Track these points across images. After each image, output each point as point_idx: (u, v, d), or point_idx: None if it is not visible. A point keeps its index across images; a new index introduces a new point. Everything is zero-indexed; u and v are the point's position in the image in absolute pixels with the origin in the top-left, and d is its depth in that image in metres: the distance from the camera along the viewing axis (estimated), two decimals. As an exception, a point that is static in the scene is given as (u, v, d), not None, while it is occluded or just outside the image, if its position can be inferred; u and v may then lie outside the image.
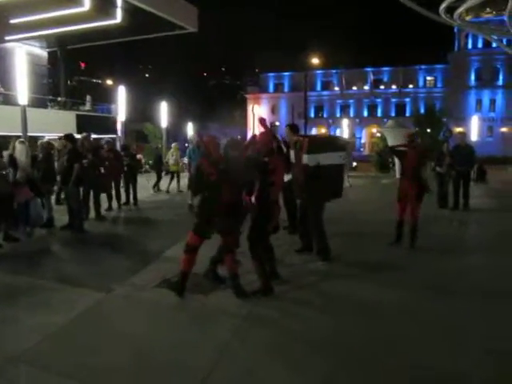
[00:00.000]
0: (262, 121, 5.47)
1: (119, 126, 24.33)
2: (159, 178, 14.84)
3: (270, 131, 5.49)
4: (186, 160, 13.83)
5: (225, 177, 4.73)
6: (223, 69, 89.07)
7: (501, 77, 57.00)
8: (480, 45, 56.43)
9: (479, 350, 3.80)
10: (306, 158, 6.16)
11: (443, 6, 10.97)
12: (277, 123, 61.07)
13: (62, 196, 9.88)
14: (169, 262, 6.15)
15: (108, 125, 24.32)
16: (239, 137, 8.55)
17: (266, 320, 4.40)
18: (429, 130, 24.69)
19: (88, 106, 25.82)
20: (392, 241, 7.15)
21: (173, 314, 4.51)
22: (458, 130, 37.69)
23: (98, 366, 3.56)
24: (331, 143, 6.66)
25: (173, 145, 15.14)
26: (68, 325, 4.28)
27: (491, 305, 4.78)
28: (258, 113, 58.75)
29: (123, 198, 11.31)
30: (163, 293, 5.10)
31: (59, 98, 24.19)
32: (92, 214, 9.54)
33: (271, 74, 67.11)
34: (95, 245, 7.68)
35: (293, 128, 7.91)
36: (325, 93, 64.56)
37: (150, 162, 20.45)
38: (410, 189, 6.89)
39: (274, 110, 66.15)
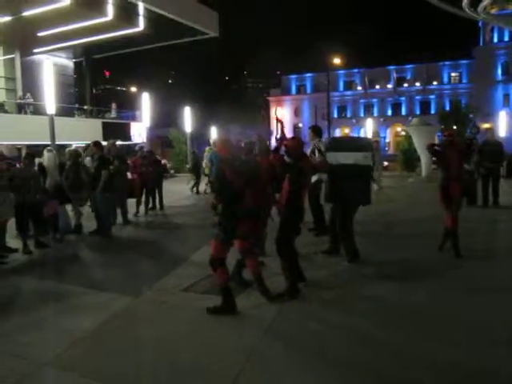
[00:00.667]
0: (279, 122, 5.56)
1: (144, 132, 24.65)
2: (198, 181, 15.43)
3: (299, 137, 5.58)
4: (204, 164, 14.28)
5: (248, 182, 4.64)
6: (245, 72, 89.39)
7: (529, 70, 55.56)
8: (506, 38, 55.14)
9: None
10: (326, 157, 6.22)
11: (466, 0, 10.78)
12: (300, 125, 60.93)
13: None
14: (195, 266, 6.21)
15: (131, 132, 24.72)
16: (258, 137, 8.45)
17: (293, 323, 4.38)
18: (455, 127, 24.20)
19: (113, 114, 26.25)
20: (455, 252, 6.40)
21: (198, 317, 4.52)
22: (486, 126, 36.87)
23: (126, 370, 3.60)
24: (353, 142, 6.60)
25: (206, 148, 15.35)
26: (97, 329, 4.35)
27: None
28: (281, 115, 58.79)
29: (150, 203, 11.46)
30: (189, 297, 5.14)
31: (85, 107, 24.67)
32: (119, 219, 9.69)
33: (293, 76, 67.00)
34: (122, 250, 7.80)
35: (315, 130, 7.89)
36: (348, 93, 64.06)
37: (187, 165, 20.75)
38: (456, 192, 6.38)
39: (296, 112, 66.01)
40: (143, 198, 11.11)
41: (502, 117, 27.14)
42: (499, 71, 56.83)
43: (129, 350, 3.90)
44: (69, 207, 8.86)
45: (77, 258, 7.36)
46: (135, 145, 24.38)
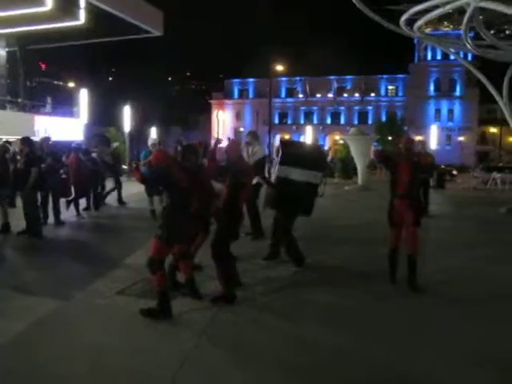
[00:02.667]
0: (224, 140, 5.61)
1: (81, 130, 23.78)
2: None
3: (236, 140, 5.60)
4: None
5: (195, 183, 4.62)
6: (188, 74, 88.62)
7: (458, 88, 59.14)
8: (439, 56, 58.45)
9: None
10: (277, 169, 6.21)
11: (404, 18, 11.29)
12: (241, 129, 61.22)
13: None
14: (130, 269, 6.07)
15: (70, 128, 23.68)
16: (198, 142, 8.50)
17: (227, 328, 4.38)
18: (390, 138, 25.30)
19: (48, 109, 25.14)
20: (390, 277, 5.68)
21: (133, 321, 4.42)
22: (418, 138, 38.73)
23: (56, 373, 3.46)
24: (309, 159, 6.39)
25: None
26: (25, 332, 4.14)
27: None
28: (222, 118, 58.79)
29: (83, 204, 11.04)
30: (123, 300, 5.01)
31: (18, 100, 23.46)
32: (51, 219, 9.28)
33: (236, 80, 67.33)
34: (54, 251, 7.48)
35: (254, 135, 8.11)
36: (289, 99, 65.26)
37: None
38: (406, 210, 5.49)
39: (238, 116, 66.34)
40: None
41: (433, 130, 28.69)
42: (432, 87, 60.11)
43: (58, 355, 3.74)
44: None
45: (4, 258, 6.97)
46: (70, 142, 23.42)
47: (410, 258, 5.46)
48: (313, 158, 6.53)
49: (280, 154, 6.24)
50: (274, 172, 6.51)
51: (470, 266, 6.74)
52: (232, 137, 5.68)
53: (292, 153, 6.33)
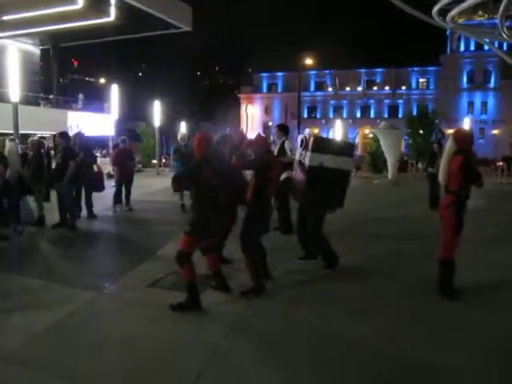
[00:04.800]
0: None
1: (112, 125, 24.17)
2: None
3: (265, 137, 5.52)
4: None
5: (224, 181, 4.64)
6: (217, 68, 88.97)
7: (492, 79, 57.43)
8: (472, 47, 56.82)
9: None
10: (308, 157, 5.90)
11: (436, 8, 11.04)
12: (270, 123, 61.12)
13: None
14: (161, 262, 6.14)
15: (101, 123, 24.10)
16: (228, 131, 8.64)
17: (257, 321, 4.39)
18: (421, 132, 24.81)
19: (80, 105, 25.67)
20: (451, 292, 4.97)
21: (163, 313, 4.47)
22: (450, 131, 37.75)
23: (88, 366, 3.54)
24: (338, 146, 6.28)
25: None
26: (58, 324, 4.25)
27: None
28: (251, 113, 58.84)
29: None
30: (154, 292, 5.09)
31: (51, 96, 24.02)
32: (84, 212, 9.49)
33: (264, 74, 67.11)
34: (87, 243, 7.65)
35: (282, 129, 7.95)
36: (318, 93, 64.66)
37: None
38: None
39: (267, 110, 66.16)
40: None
41: (466, 123, 27.99)
42: (464, 79, 58.55)
43: (90, 347, 3.83)
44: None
45: (39, 251, 7.17)
46: (107, 137, 23.76)
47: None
48: (341, 144, 6.56)
49: (311, 142, 6.08)
50: (305, 161, 6.29)
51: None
52: (261, 132, 5.60)
53: (321, 140, 6.28)
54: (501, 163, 22.81)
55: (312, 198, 5.93)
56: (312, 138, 5.95)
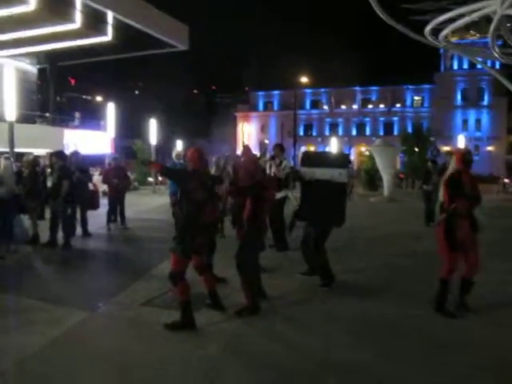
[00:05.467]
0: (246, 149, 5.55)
1: (109, 143, 24.16)
2: None
3: (255, 158, 5.59)
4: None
5: (211, 194, 4.68)
6: (213, 87, 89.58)
7: (486, 97, 58.09)
8: (465, 65, 57.60)
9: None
10: (302, 172, 6.03)
11: (429, 27, 11.19)
12: (266, 141, 61.36)
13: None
14: (156, 280, 6.10)
15: (98, 141, 24.09)
16: (228, 153, 8.81)
17: (251, 340, 4.34)
18: (416, 149, 25.00)
19: (77, 122, 25.69)
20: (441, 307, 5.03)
21: (157, 332, 4.42)
22: (445, 148, 38.12)
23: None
24: (330, 158, 6.32)
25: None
26: (51, 344, 4.19)
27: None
28: (247, 131, 59.14)
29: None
30: (148, 311, 5.04)
31: (47, 114, 24.05)
32: (79, 230, 9.44)
33: (261, 93, 67.67)
34: (81, 262, 7.58)
35: (282, 148, 8.16)
36: (314, 111, 65.18)
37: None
38: (470, 230, 4.94)
39: (263, 129, 66.54)
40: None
41: (461, 140, 28.22)
42: (458, 97, 59.20)
43: (83, 366, 3.77)
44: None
45: (33, 270, 7.11)
46: (104, 155, 23.71)
47: (469, 281, 5.07)
48: (335, 157, 6.63)
49: (300, 158, 6.17)
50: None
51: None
52: (257, 150, 5.63)
53: (313, 155, 6.32)
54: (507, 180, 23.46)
55: (308, 212, 5.95)
56: (300, 153, 6.02)
